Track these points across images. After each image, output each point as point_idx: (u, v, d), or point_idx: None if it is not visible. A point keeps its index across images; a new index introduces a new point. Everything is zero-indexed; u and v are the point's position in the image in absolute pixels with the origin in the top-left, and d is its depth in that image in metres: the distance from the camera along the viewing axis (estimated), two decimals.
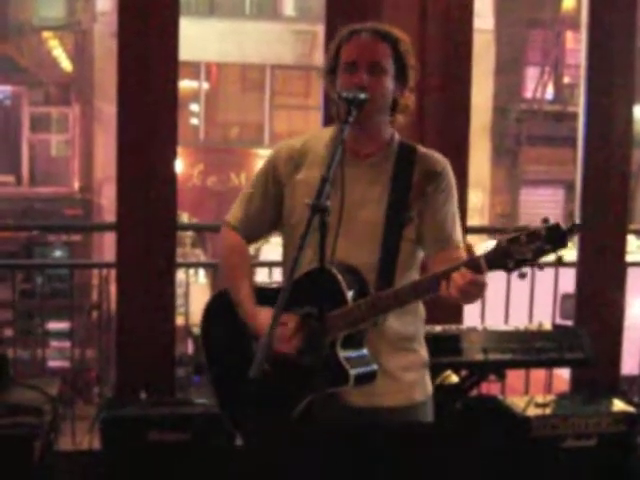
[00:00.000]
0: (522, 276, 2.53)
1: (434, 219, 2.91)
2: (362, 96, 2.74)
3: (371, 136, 2.93)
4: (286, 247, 3.06)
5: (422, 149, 2.98)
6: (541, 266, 2.54)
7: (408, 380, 2.98)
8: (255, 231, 3.10)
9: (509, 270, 2.53)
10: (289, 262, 2.66)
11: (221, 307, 3.06)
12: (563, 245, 2.48)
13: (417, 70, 2.93)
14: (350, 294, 2.77)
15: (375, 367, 2.83)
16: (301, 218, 2.69)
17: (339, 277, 2.75)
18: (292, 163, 2.99)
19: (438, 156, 2.98)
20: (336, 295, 2.75)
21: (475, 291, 2.62)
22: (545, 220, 2.51)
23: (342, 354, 2.76)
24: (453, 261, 2.70)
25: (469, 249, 2.64)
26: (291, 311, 2.78)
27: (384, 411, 2.93)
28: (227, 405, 3.09)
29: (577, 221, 2.46)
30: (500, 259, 2.53)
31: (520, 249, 2.49)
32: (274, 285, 3.12)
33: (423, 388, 3.05)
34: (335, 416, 2.74)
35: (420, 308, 3.05)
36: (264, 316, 2.77)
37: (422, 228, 2.91)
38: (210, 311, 3.13)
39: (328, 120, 4.71)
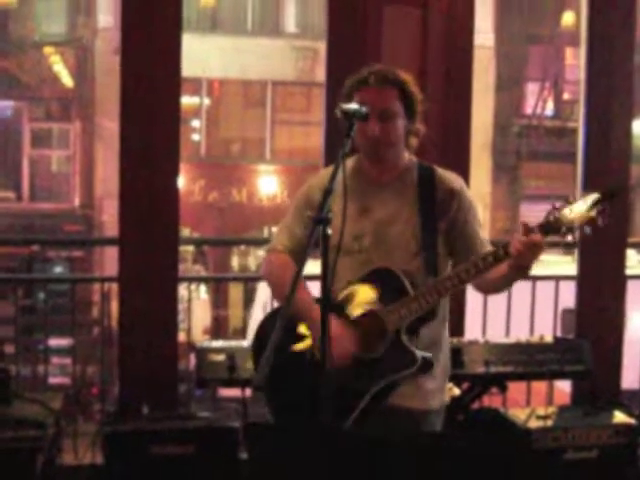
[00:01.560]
0: (573, 244, 3.02)
1: (463, 231, 3.22)
2: (363, 110, 2.90)
3: (388, 166, 3.23)
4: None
5: (439, 170, 3.28)
6: (587, 231, 2.90)
7: (428, 388, 3.21)
8: (300, 254, 3.17)
9: (563, 234, 2.90)
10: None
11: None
12: (604, 210, 2.87)
13: (422, 101, 3.21)
14: (409, 286, 3.06)
15: (430, 354, 3.08)
16: (335, 243, 2.90)
17: (400, 273, 3.07)
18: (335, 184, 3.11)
19: (455, 176, 3.29)
20: (397, 289, 3.06)
21: (532, 252, 2.89)
22: (584, 194, 2.91)
23: (407, 339, 3.05)
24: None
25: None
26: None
27: (401, 410, 3.15)
28: (284, 408, 3.19)
29: (613, 188, 2.88)
30: (553, 225, 2.90)
31: (568, 217, 2.88)
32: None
33: (440, 396, 3.29)
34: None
35: (446, 324, 3.33)
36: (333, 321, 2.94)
37: (452, 241, 3.22)
38: (266, 323, 3.25)
39: (330, 136, 4.77)
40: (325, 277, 2.67)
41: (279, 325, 2.55)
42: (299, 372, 3.10)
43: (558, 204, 2.92)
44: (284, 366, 3.00)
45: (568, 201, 2.91)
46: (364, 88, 3.11)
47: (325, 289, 2.69)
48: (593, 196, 2.89)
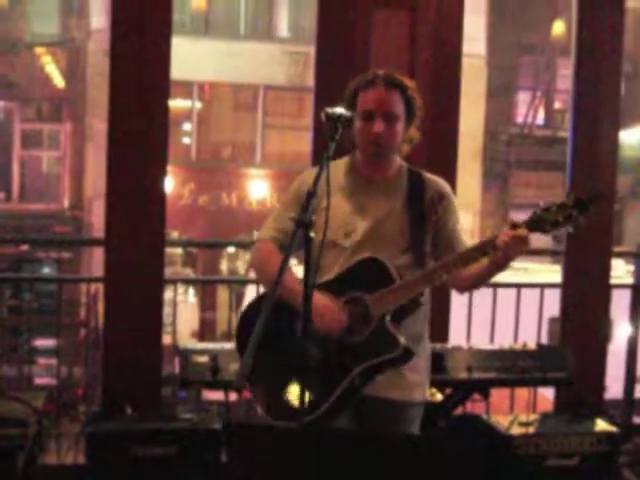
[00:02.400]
0: (556, 239, 3.03)
1: (447, 235, 3.34)
2: (348, 114, 2.95)
3: (384, 167, 3.35)
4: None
5: (428, 174, 3.40)
6: (569, 229, 3.05)
7: (411, 380, 3.30)
8: (285, 247, 3.27)
9: (546, 232, 3.04)
10: (317, 276, 3.16)
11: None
12: (586, 210, 3.01)
13: (421, 110, 3.34)
14: (396, 275, 3.16)
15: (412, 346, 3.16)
16: (327, 239, 3.02)
17: (386, 262, 3.17)
18: (318, 188, 3.12)
19: (442, 181, 3.42)
20: (384, 278, 3.16)
21: (517, 246, 3.02)
22: (569, 194, 3.04)
23: (391, 325, 3.13)
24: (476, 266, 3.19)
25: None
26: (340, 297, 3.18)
27: (385, 401, 3.24)
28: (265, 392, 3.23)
29: (596, 191, 2.99)
30: (538, 223, 3.04)
31: (553, 215, 3.02)
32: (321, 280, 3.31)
33: (422, 390, 3.38)
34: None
35: (428, 322, 3.42)
36: (317, 297, 3.07)
37: (436, 243, 3.35)
38: (250, 310, 3.32)
39: (318, 141, 4.78)
40: (307, 278, 2.68)
41: (260, 322, 2.54)
42: (282, 357, 3.12)
43: (544, 203, 3.05)
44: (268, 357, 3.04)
45: (554, 201, 3.04)
46: (371, 88, 3.22)
47: (307, 290, 2.69)
48: (576, 197, 3.01)
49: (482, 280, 3.27)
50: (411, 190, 3.33)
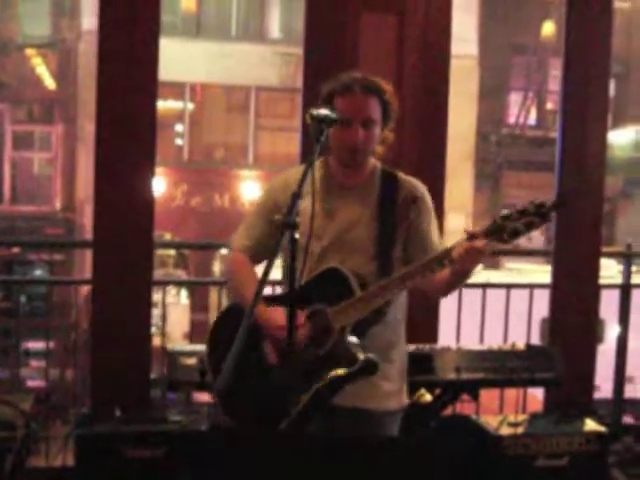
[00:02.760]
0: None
1: (420, 239, 3.27)
2: (333, 115, 2.94)
3: (357, 171, 3.29)
4: (285, 270, 3.30)
5: (402, 176, 3.33)
6: (530, 238, 2.99)
7: (385, 389, 3.25)
8: (259, 254, 3.29)
9: (505, 241, 2.92)
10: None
11: (231, 318, 3.17)
12: (548, 219, 2.88)
13: (397, 112, 3.27)
14: (357, 287, 3.08)
15: (377, 360, 3.04)
16: (298, 244, 2.96)
17: (347, 273, 3.09)
18: (290, 191, 3.11)
19: (417, 182, 3.34)
20: (345, 290, 3.08)
21: (473, 258, 2.95)
22: (532, 201, 2.89)
23: (351, 339, 3.06)
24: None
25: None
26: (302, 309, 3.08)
27: (359, 412, 3.18)
28: (232, 407, 3.20)
29: (559, 198, 2.89)
30: (496, 231, 2.91)
31: (513, 223, 2.89)
32: (280, 294, 3.33)
33: (399, 399, 3.32)
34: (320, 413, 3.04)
35: (404, 325, 3.36)
36: (273, 312, 3.09)
37: (409, 248, 3.27)
38: (220, 322, 3.32)
39: (306, 142, 4.78)
40: (292, 279, 2.68)
41: (241, 333, 2.55)
42: (250, 375, 3.09)
43: (504, 211, 2.96)
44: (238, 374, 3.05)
45: (516, 207, 2.93)
46: (349, 95, 3.16)
47: (292, 290, 2.71)
48: (537, 204, 2.88)
49: (451, 287, 3.22)
50: (384, 193, 3.27)
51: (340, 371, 3.02)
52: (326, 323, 3.07)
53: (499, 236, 2.91)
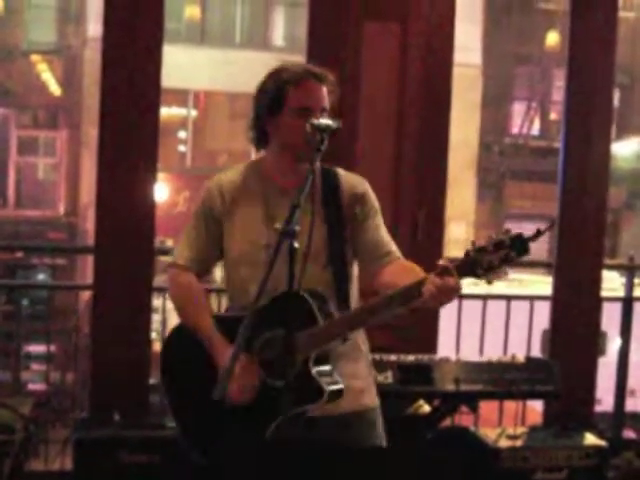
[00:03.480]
0: (489, 283, 2.66)
1: (369, 237, 3.05)
2: (334, 125, 2.84)
3: (295, 170, 3.01)
4: (228, 281, 3.13)
5: (342, 172, 3.13)
6: (506, 272, 2.66)
7: (357, 387, 3.04)
8: (204, 266, 3.15)
9: (478, 277, 2.66)
10: (235, 294, 3.04)
11: (182, 339, 3.09)
12: (526, 252, 2.62)
13: (336, 104, 3.06)
14: (319, 314, 2.85)
15: (342, 385, 2.90)
16: (240, 253, 2.97)
17: (309, 299, 2.84)
18: (228, 198, 3.08)
19: (359, 178, 3.15)
20: (306, 316, 2.83)
21: (445, 296, 2.70)
22: (507, 231, 2.65)
23: (315, 371, 2.84)
24: (406, 271, 2.90)
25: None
26: (260, 335, 2.87)
27: (338, 417, 2.98)
28: (192, 430, 3.10)
29: (540, 229, 2.59)
30: (470, 267, 2.66)
31: (488, 257, 2.63)
32: (232, 314, 3.09)
33: (370, 395, 3.12)
34: (292, 428, 2.81)
35: None
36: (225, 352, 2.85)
37: (358, 248, 3.05)
38: (171, 343, 3.17)
39: None
40: (291, 286, 2.64)
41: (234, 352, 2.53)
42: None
43: (478, 242, 2.68)
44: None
45: (492, 238, 2.66)
46: (304, 83, 2.98)
47: (289, 291, 2.66)
48: (514, 235, 2.63)
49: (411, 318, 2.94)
50: (326, 196, 3.02)
51: (303, 408, 2.81)
52: (287, 353, 2.73)
53: (473, 271, 2.66)
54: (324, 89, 2.99)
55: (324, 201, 3.02)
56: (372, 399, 3.12)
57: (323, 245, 2.98)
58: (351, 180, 3.11)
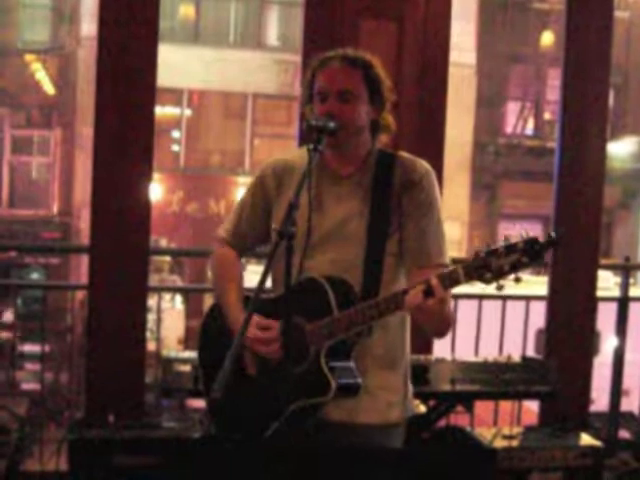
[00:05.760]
0: (499, 288, 2.52)
1: (412, 232, 2.86)
2: (331, 125, 2.78)
3: (350, 157, 2.94)
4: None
5: (403, 156, 2.96)
6: (518, 279, 2.50)
7: (385, 400, 2.94)
8: (245, 242, 3.13)
9: (487, 282, 2.51)
10: (276, 277, 2.91)
11: (215, 319, 3.07)
12: (540, 259, 2.46)
13: (392, 90, 2.94)
14: (335, 305, 2.76)
15: (359, 381, 2.79)
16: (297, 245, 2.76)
17: (327, 287, 2.77)
18: (277, 179, 3.04)
19: (419, 164, 2.93)
20: (324, 305, 2.76)
21: (428, 314, 2.60)
22: (523, 235, 2.49)
23: (326, 364, 2.75)
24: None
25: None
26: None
27: (358, 427, 2.90)
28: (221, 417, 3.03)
29: (553, 235, 2.36)
30: (478, 270, 2.51)
31: (498, 261, 2.48)
32: (268, 296, 2.96)
33: (400, 410, 3.00)
34: (309, 429, 2.79)
35: (407, 328, 3.01)
36: (253, 323, 2.79)
37: (405, 247, 2.88)
38: (206, 324, 3.13)
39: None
40: (288, 288, 2.60)
41: (234, 350, 2.48)
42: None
43: (488, 245, 2.52)
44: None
45: (508, 240, 2.51)
46: (327, 68, 2.87)
47: (287, 306, 2.65)
48: (528, 239, 2.47)
49: (431, 325, 2.78)
50: (377, 179, 2.88)
51: (312, 400, 2.75)
52: (302, 341, 2.74)
53: (481, 275, 2.50)
54: (352, 72, 2.85)
55: (374, 187, 2.88)
56: (399, 415, 2.99)
57: (360, 236, 2.85)
58: (405, 166, 2.91)
